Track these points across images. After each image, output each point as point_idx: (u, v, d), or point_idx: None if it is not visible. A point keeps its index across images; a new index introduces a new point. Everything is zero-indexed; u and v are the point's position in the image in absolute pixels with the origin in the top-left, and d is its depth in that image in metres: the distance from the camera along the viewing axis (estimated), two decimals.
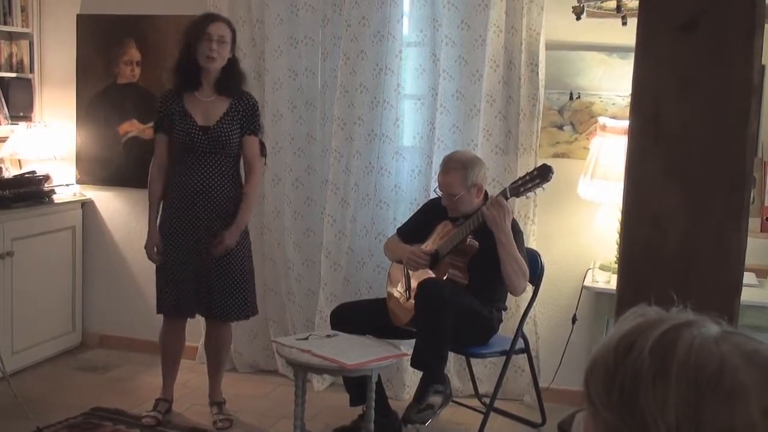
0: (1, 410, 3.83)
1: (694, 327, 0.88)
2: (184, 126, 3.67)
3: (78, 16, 4.80)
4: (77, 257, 4.81)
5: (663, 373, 0.84)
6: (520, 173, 3.79)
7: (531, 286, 3.65)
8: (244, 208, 3.74)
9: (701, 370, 0.83)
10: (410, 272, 3.65)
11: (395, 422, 3.68)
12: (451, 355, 3.75)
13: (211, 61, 3.63)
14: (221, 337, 3.91)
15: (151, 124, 4.66)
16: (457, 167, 3.54)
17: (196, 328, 4.20)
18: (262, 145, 3.87)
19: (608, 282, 3.70)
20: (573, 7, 3.50)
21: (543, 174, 3.35)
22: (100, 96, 4.79)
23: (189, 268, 3.71)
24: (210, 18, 3.71)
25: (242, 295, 3.80)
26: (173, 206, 3.73)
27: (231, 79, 3.72)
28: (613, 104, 4.06)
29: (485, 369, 4.24)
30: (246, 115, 3.73)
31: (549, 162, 3.50)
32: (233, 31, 3.74)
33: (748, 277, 3.47)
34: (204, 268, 3.71)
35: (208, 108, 3.70)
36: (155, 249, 3.74)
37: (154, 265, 3.80)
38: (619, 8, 3.32)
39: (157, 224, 3.76)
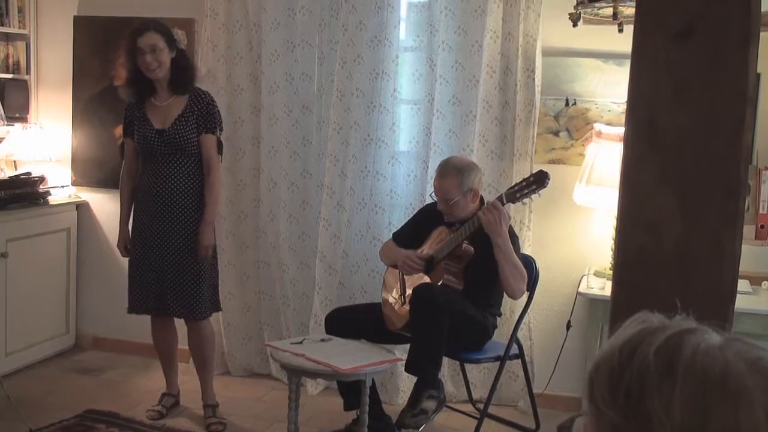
0: None
1: (698, 333, 0.90)
2: (142, 131, 3.77)
3: (75, 17, 4.79)
4: (71, 259, 4.80)
5: (669, 374, 0.86)
6: (516, 179, 3.80)
7: (526, 291, 3.65)
8: (207, 207, 3.77)
9: (707, 373, 0.85)
10: (405, 278, 3.65)
11: (389, 427, 3.67)
12: (445, 360, 3.75)
13: (153, 72, 3.71)
14: (197, 335, 3.90)
15: None
16: (453, 172, 3.54)
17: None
18: (220, 144, 3.87)
19: (603, 288, 3.70)
20: (570, 14, 3.51)
21: (540, 180, 3.35)
22: (96, 98, 4.79)
23: (152, 266, 3.78)
24: (137, 32, 3.73)
25: (196, 292, 3.78)
26: (139, 208, 3.85)
27: (181, 76, 3.77)
28: (609, 111, 4.07)
29: (479, 374, 4.24)
30: (201, 114, 3.77)
31: (544, 168, 3.50)
32: (166, 33, 3.75)
33: (742, 285, 3.48)
34: (164, 266, 3.76)
35: (165, 111, 3.77)
36: (125, 246, 3.88)
37: None
38: (615, 15, 3.33)
39: (129, 224, 3.88)
